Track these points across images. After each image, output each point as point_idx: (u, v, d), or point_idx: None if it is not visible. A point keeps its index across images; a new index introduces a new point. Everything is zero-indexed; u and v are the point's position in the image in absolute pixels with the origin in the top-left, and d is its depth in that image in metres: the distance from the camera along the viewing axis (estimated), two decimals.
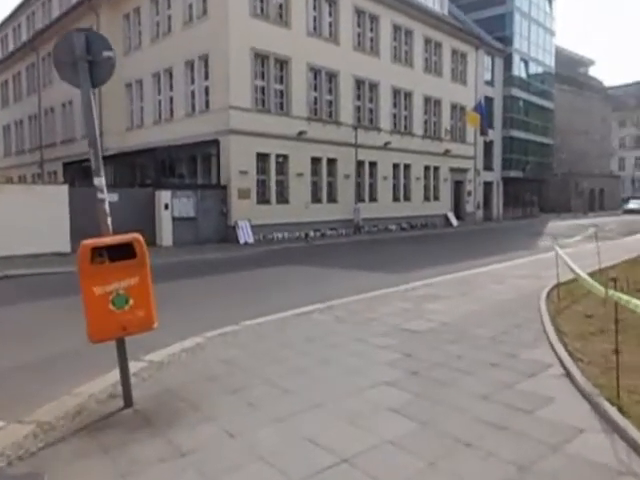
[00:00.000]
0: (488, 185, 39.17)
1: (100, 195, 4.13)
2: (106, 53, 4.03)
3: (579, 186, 52.04)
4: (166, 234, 18.83)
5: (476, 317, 6.91)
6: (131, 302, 3.76)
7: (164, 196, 18.81)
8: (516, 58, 39.45)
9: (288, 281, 11.58)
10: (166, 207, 18.83)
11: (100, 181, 4.13)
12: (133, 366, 5.01)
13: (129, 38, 25.48)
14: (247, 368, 4.99)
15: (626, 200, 65.42)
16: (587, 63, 74.54)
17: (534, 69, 42.44)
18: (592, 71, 77.36)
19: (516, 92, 39.88)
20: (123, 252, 3.83)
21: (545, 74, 44.58)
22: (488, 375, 4.69)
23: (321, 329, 6.42)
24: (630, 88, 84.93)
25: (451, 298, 8.25)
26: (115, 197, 17.68)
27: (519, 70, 40.21)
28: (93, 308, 3.71)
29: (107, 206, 4.15)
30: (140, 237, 3.89)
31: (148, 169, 21.87)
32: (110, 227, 4.16)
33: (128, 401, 4.13)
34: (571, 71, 63.46)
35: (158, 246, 18.71)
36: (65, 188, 16.91)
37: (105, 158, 24.76)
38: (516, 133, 40.41)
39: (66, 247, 16.38)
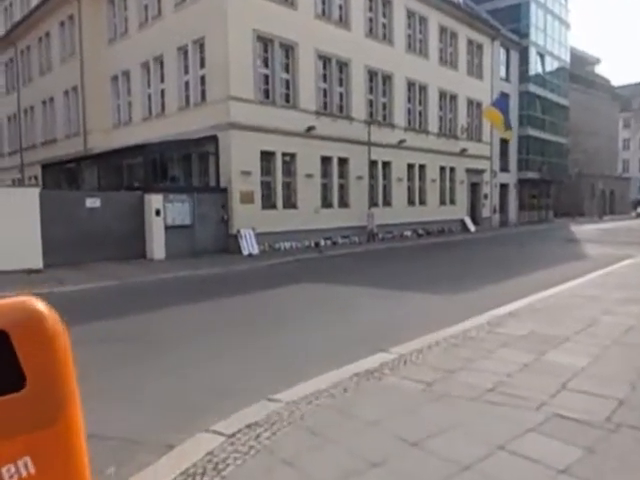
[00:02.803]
0: (503, 187, 36.62)
1: None
2: None
3: (595, 188, 49.62)
4: (157, 245, 16.09)
5: None
6: None
7: (155, 200, 16.07)
8: (532, 52, 37.03)
9: (313, 309, 8.87)
10: (157, 213, 16.10)
11: None
12: None
13: (115, 25, 22.83)
14: None
15: (637, 203, 63.21)
16: (593, 61, 72.40)
17: (550, 64, 40.03)
18: (597, 70, 74.96)
19: (533, 88, 37.45)
20: None
21: (560, 69, 42.20)
22: None
23: (415, 414, 3.71)
24: (635, 88, 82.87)
25: (574, 341, 5.56)
26: (97, 202, 15.07)
27: (535, 65, 37.78)
28: None
29: None
30: (43, 310, 1.15)
31: (137, 170, 19.16)
32: None
33: None
34: (578, 69, 61.16)
35: (148, 259, 16.00)
36: (35, 192, 14.14)
37: (88, 158, 22.14)
38: (532, 132, 37.95)
39: (37, 263, 13.65)
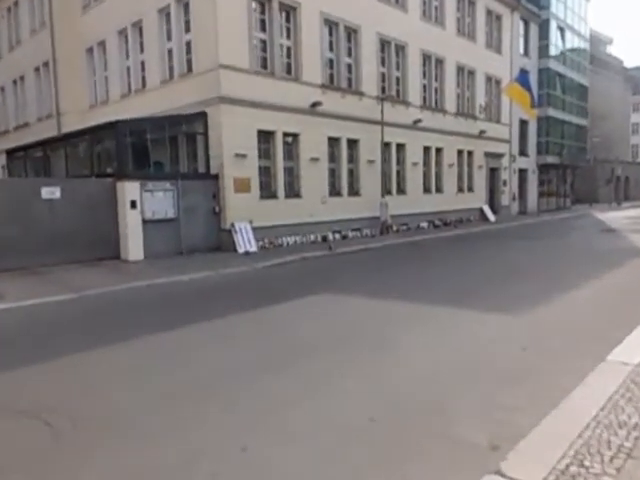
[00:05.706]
0: (522, 173, 33.71)
1: None
2: None
3: (614, 173, 46.66)
4: (134, 243, 13.29)
5: None
6: None
7: (130, 189, 13.26)
8: (553, 25, 33.90)
9: (333, 345, 6.12)
10: (133, 205, 13.30)
11: None
12: None
13: None
14: None
15: None
16: (606, 41, 68.99)
17: (570, 40, 36.92)
18: (609, 50, 71.36)
19: (553, 65, 34.39)
20: None
21: (580, 46, 39.11)
22: None
23: None
24: None
25: None
26: (56, 192, 12.27)
27: (556, 40, 34.69)
28: None
29: None
30: None
31: (113, 155, 16.29)
32: None
33: None
34: (592, 49, 57.77)
35: (123, 260, 13.23)
36: None
37: (54, 142, 19.23)
38: (553, 112, 34.95)
39: None
